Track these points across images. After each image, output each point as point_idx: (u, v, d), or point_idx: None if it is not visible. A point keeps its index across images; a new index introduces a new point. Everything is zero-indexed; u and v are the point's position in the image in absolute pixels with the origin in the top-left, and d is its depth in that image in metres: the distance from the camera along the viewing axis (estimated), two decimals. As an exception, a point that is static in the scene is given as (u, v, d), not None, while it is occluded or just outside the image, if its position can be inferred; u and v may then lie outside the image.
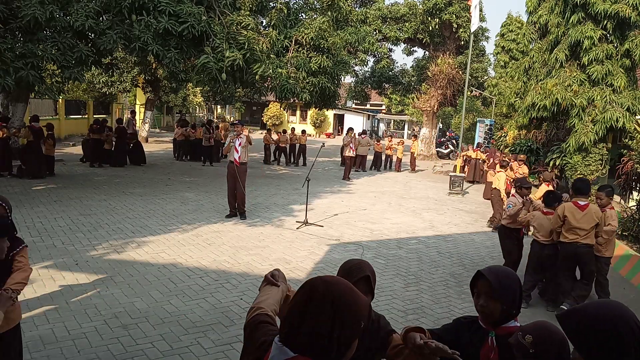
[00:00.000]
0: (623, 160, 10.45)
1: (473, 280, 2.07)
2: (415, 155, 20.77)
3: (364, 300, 1.37)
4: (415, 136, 24.08)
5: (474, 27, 16.40)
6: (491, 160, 16.99)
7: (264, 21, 13.49)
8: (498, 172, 11.17)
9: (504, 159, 13.99)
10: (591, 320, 1.44)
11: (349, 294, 1.31)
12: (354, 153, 17.08)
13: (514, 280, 2.02)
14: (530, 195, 6.91)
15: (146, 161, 16.56)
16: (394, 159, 20.65)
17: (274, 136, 21.03)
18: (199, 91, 33.39)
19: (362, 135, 19.86)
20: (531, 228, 6.40)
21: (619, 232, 8.26)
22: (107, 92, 25.30)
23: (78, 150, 17.56)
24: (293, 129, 21.02)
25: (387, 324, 2.20)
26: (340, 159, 20.61)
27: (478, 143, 19.84)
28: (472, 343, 2.07)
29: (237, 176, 9.36)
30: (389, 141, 21.20)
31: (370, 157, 20.33)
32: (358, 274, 2.11)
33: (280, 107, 30.80)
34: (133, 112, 21.01)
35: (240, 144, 9.34)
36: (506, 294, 1.96)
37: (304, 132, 20.70)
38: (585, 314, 1.46)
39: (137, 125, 24.57)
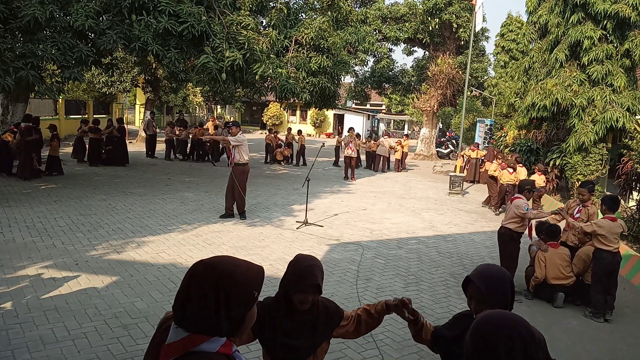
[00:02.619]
0: (623, 160, 10.44)
1: (464, 284, 2.08)
2: (402, 152, 20.77)
3: (254, 271, 1.43)
4: (407, 135, 24.13)
5: (478, 26, 16.39)
6: (487, 162, 17.23)
7: (264, 21, 13.49)
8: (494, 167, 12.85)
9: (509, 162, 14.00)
10: (473, 328, 1.44)
11: (230, 273, 1.38)
12: (355, 153, 17.08)
13: (505, 281, 2.01)
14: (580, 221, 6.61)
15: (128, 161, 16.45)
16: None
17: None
18: (199, 91, 33.38)
19: (385, 136, 20.06)
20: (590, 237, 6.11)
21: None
22: (107, 92, 25.30)
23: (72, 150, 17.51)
24: (289, 129, 20.97)
25: (336, 308, 2.37)
26: (334, 159, 20.56)
27: (476, 143, 19.90)
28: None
29: (234, 177, 9.35)
30: (387, 138, 21.17)
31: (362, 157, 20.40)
32: (311, 281, 2.14)
33: (280, 107, 30.83)
34: (153, 114, 20.89)
35: (233, 146, 9.30)
36: (496, 297, 1.96)
37: (299, 132, 20.62)
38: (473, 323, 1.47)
39: (137, 125, 24.54)
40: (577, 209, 6.74)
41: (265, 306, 2.27)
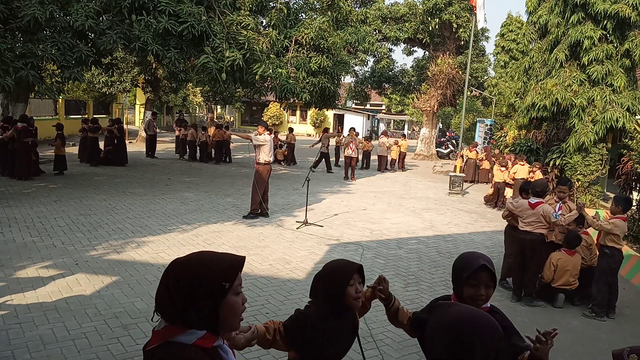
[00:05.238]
0: (623, 160, 10.44)
1: (475, 272, 2.10)
2: (399, 152, 20.75)
3: (225, 262, 1.44)
4: (404, 135, 24.17)
5: (480, 24, 16.41)
6: (485, 160, 17.42)
7: (264, 21, 13.48)
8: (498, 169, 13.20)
9: (502, 159, 14.33)
10: (444, 323, 1.43)
11: (190, 267, 1.42)
12: (355, 153, 17.08)
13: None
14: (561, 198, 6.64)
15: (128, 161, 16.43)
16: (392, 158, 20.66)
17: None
18: (199, 91, 33.39)
19: (381, 136, 20.02)
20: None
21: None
22: (107, 92, 25.31)
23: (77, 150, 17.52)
24: (290, 129, 20.94)
25: None
26: (334, 159, 20.52)
27: (474, 142, 19.95)
28: None
29: (254, 176, 9.66)
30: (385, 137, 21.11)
31: (374, 157, 20.40)
32: (353, 267, 2.22)
33: (280, 107, 30.85)
34: (155, 114, 20.82)
35: (254, 146, 9.60)
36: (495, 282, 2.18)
37: (291, 130, 20.58)
38: (438, 318, 1.46)
39: (137, 125, 24.52)
40: (557, 205, 6.76)
41: (310, 317, 2.16)
